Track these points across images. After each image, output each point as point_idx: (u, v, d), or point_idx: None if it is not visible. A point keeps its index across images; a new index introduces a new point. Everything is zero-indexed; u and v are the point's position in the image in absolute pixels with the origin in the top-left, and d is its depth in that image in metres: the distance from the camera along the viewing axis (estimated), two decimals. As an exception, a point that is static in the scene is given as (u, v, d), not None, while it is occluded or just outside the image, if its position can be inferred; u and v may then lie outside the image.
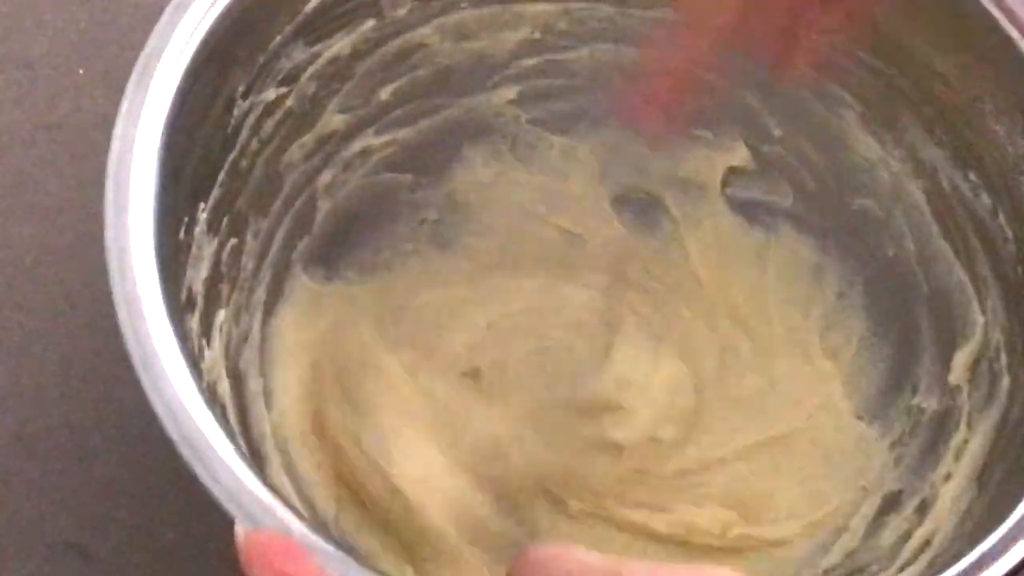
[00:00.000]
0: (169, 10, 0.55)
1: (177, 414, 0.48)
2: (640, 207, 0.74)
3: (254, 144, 0.62)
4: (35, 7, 0.77)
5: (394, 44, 0.66)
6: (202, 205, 0.59)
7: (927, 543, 0.60)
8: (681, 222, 0.74)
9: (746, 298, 0.72)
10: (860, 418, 0.68)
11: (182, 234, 0.57)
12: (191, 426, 0.48)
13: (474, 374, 0.70)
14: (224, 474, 0.47)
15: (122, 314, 0.49)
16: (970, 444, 0.62)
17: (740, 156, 0.72)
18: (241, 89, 0.60)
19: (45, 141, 0.74)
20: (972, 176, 0.63)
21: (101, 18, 0.77)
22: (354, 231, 0.71)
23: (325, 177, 0.68)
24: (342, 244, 0.70)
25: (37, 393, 0.69)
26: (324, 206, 0.68)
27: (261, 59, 0.60)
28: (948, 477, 0.62)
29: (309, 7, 0.61)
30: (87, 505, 0.67)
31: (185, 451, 0.48)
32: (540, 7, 0.68)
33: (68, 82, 0.76)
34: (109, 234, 0.50)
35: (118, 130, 0.52)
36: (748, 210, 0.73)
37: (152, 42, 0.54)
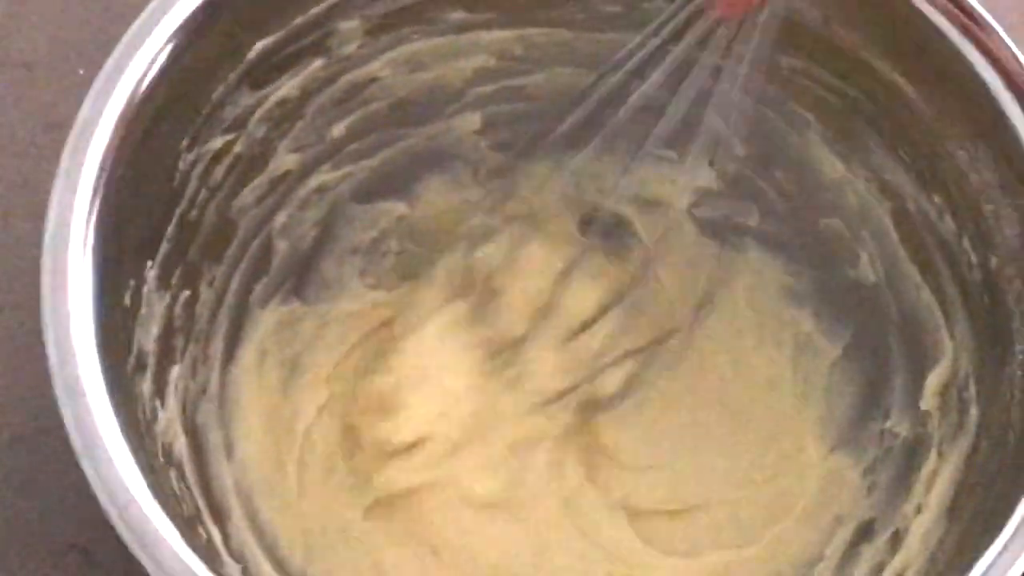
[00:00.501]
0: (103, 74, 0.54)
1: (120, 502, 0.47)
2: (607, 228, 0.73)
3: (203, 194, 0.61)
4: (35, 7, 0.77)
5: (344, 80, 0.65)
6: (150, 263, 0.58)
7: (898, 578, 0.59)
8: (649, 243, 0.73)
9: (717, 322, 0.71)
10: (833, 447, 0.67)
11: (128, 298, 0.56)
12: (139, 517, 0.47)
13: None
14: (171, 562, 0.47)
15: (62, 398, 0.48)
16: (941, 475, 0.61)
17: (706, 176, 0.71)
18: (185, 142, 0.59)
19: (45, 141, 0.74)
20: (937, 199, 0.62)
21: (101, 18, 0.77)
22: (314, 268, 0.70)
23: (281, 217, 0.67)
24: (302, 282, 0.69)
25: (37, 393, 0.67)
26: (281, 246, 0.67)
27: (204, 110, 0.59)
28: (920, 509, 0.61)
29: (252, 54, 0.60)
30: (87, 505, 0.64)
31: (132, 542, 0.47)
32: (495, 34, 0.67)
33: (68, 82, 0.76)
34: (46, 314, 0.49)
35: (54, 202, 0.51)
36: (716, 230, 0.72)
37: (86, 108, 0.53)
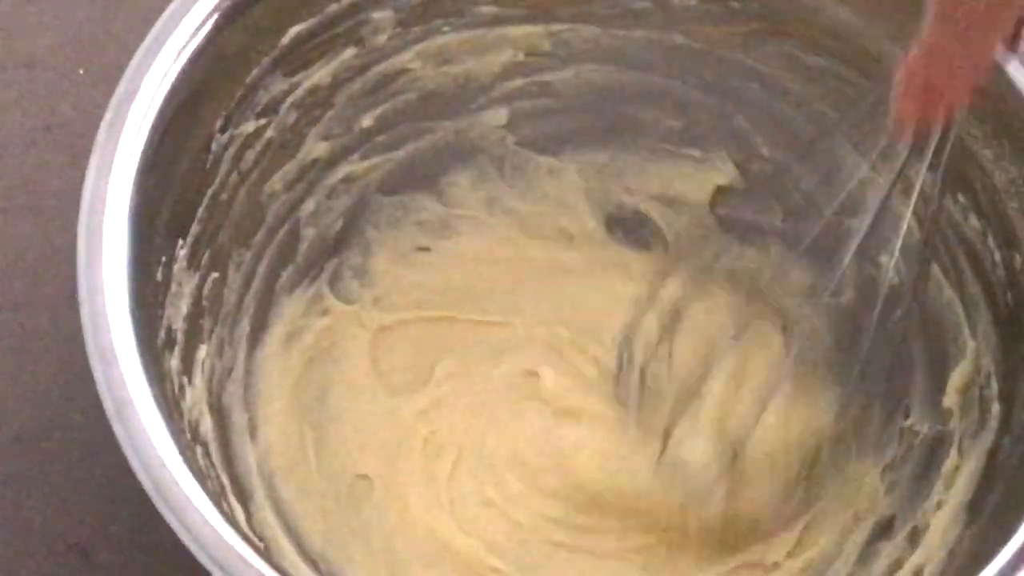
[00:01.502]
0: (141, 50, 0.54)
1: (151, 465, 0.48)
2: (630, 226, 0.74)
3: (234, 177, 0.62)
4: (35, 7, 0.78)
5: (376, 71, 0.66)
6: (181, 242, 0.58)
7: (917, 574, 0.59)
8: (671, 241, 0.73)
9: (738, 323, 0.71)
10: (853, 446, 0.68)
11: (160, 274, 0.56)
12: (166, 478, 0.48)
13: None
14: (199, 526, 0.47)
15: (95, 363, 0.49)
16: (961, 471, 0.61)
17: (729, 175, 0.71)
18: (219, 123, 0.59)
19: (45, 141, 0.74)
20: (961, 198, 0.62)
21: (101, 18, 0.78)
22: (341, 258, 0.70)
23: (309, 205, 0.67)
24: (328, 272, 0.70)
25: (37, 393, 0.69)
26: (309, 234, 0.68)
27: (238, 92, 0.60)
28: (939, 506, 0.61)
29: (286, 40, 0.60)
30: (87, 505, 0.67)
31: (160, 503, 0.47)
32: (523, 29, 0.67)
33: (68, 82, 0.76)
34: (82, 284, 0.50)
35: (90, 177, 0.52)
36: (738, 229, 0.72)
37: (124, 85, 0.54)
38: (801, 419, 0.69)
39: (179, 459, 0.48)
